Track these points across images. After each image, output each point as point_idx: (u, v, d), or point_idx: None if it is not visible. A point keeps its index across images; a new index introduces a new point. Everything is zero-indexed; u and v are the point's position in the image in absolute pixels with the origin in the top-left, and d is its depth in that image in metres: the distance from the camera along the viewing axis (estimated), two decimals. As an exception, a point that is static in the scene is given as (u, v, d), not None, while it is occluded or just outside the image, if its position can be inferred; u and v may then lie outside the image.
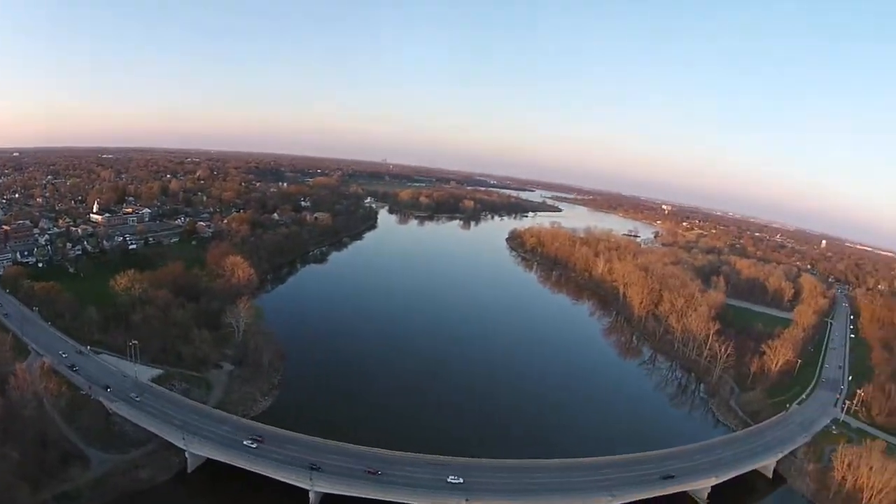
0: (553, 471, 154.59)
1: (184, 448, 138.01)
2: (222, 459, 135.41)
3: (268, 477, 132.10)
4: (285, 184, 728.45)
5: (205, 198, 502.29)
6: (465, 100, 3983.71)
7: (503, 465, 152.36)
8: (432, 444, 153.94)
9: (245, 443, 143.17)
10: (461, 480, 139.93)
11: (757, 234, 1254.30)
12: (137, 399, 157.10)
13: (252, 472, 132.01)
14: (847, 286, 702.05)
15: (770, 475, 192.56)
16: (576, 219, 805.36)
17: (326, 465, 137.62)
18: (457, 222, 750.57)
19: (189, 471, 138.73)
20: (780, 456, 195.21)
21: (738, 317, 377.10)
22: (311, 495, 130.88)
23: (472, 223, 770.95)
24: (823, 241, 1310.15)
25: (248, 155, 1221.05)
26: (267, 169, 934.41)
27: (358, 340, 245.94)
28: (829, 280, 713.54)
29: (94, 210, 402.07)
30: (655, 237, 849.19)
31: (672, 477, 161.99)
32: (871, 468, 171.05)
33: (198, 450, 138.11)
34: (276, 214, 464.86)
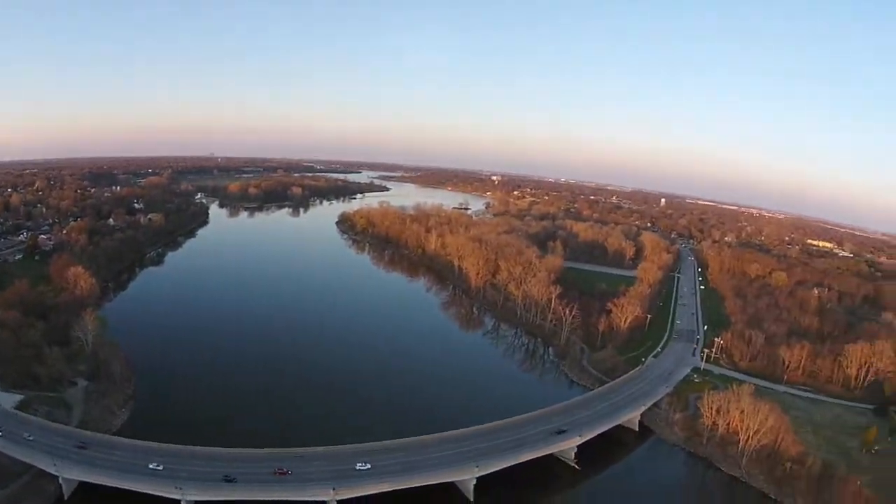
0: (417, 448, 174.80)
1: (56, 474, 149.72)
2: (93, 480, 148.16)
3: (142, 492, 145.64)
4: (118, 187, 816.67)
5: (44, 209, 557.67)
6: (289, 88, 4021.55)
7: (366, 449, 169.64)
8: (270, 437, 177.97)
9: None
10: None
11: (592, 197, 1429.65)
12: (1, 430, 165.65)
13: (127, 490, 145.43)
14: (691, 240, 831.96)
15: (636, 428, 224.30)
16: (405, 196, 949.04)
17: (194, 473, 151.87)
18: (286, 210, 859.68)
19: (66, 497, 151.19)
20: (644, 409, 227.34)
21: (580, 279, 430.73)
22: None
23: (302, 210, 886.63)
24: (663, 200, 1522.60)
25: (84, 161, 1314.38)
26: (100, 173, 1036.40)
27: (206, 338, 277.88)
28: (672, 236, 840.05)
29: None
30: (487, 208, 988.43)
31: (537, 441, 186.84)
32: (742, 411, 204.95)
33: (69, 474, 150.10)
34: (111, 220, 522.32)
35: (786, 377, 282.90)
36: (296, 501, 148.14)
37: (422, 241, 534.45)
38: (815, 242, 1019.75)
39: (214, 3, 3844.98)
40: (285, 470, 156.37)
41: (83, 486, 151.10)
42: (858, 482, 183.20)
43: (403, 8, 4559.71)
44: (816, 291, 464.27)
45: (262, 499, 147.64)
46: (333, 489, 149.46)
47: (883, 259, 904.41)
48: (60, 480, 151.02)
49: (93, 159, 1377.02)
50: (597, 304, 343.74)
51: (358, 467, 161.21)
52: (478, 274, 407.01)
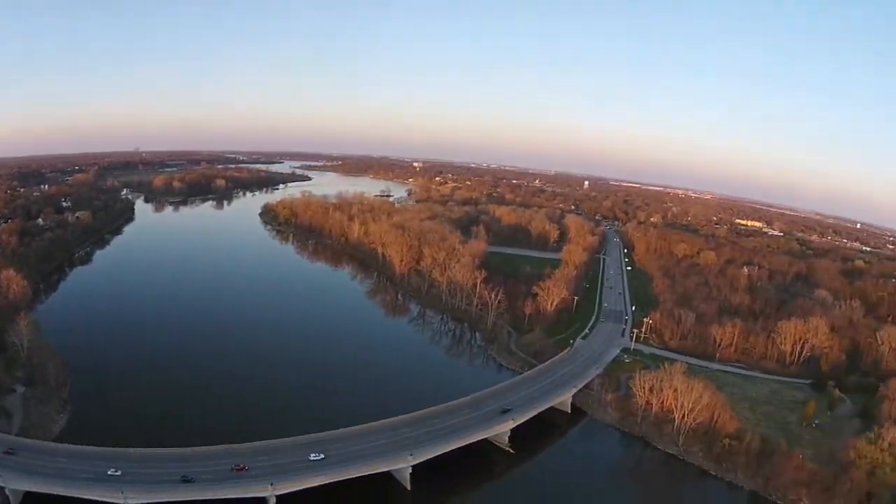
0: (351, 439, 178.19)
1: (3, 485, 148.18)
2: (37, 490, 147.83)
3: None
4: (47, 186, 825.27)
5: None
6: (210, 79, 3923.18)
7: (305, 442, 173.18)
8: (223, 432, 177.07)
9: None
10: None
11: (515, 181, 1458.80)
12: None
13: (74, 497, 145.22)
14: (616, 222, 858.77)
15: (568, 410, 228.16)
16: (327, 185, 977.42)
17: (138, 475, 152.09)
18: (210, 203, 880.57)
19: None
20: (575, 391, 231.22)
21: (505, 263, 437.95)
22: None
23: (226, 202, 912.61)
24: (586, 183, 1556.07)
25: (13, 161, 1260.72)
26: (28, 173, 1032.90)
27: (141, 336, 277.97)
28: (597, 218, 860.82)
29: None
30: (409, 195, 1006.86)
31: (469, 426, 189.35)
32: (675, 390, 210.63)
33: (14, 484, 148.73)
34: (40, 219, 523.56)
35: (718, 355, 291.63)
36: (236, 499, 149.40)
37: (345, 229, 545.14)
38: (743, 222, 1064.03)
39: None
40: (242, 465, 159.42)
41: (30, 496, 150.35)
42: (801, 456, 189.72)
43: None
44: (746, 270, 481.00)
45: (200, 498, 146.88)
46: (271, 484, 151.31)
47: (815, 237, 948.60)
48: (7, 492, 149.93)
49: (22, 159, 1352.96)
50: (522, 287, 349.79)
51: (312, 458, 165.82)
52: (402, 261, 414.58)
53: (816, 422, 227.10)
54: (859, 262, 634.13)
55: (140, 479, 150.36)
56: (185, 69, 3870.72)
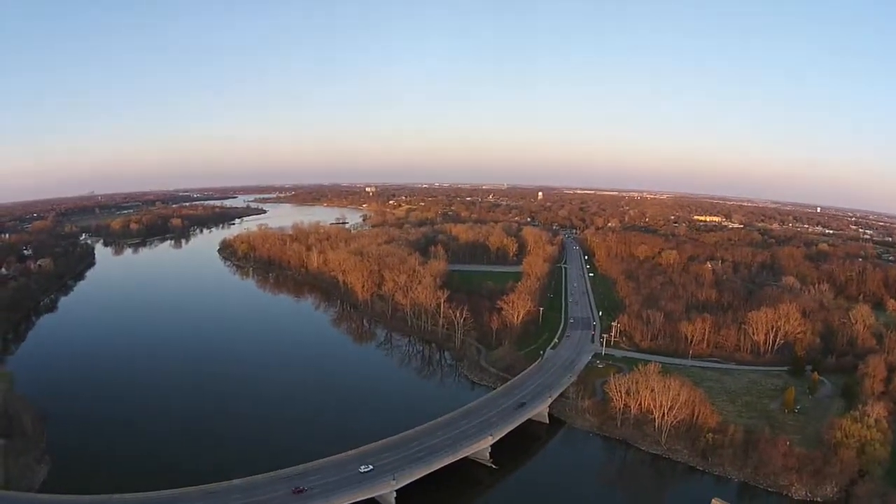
0: (331, 468, 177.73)
1: None
2: None
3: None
4: (7, 234, 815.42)
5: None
6: (159, 119, 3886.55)
7: (284, 476, 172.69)
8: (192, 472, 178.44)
9: None
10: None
11: (468, 198, 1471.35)
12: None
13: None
14: (574, 230, 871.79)
15: (546, 420, 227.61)
16: (282, 217, 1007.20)
17: None
18: (168, 242, 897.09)
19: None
20: (551, 400, 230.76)
21: (467, 280, 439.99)
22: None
23: (184, 241, 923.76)
24: (540, 193, 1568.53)
25: None
26: None
27: (112, 379, 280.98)
28: (554, 228, 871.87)
29: None
30: (364, 220, 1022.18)
31: (449, 446, 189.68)
32: (652, 390, 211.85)
33: None
34: (2, 268, 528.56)
35: (691, 351, 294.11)
36: None
37: (304, 259, 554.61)
38: (702, 217, 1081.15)
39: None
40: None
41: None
42: (788, 442, 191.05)
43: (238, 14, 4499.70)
44: (710, 265, 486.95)
45: None
46: None
47: (776, 226, 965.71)
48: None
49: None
50: (487, 303, 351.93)
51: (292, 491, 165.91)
52: (363, 287, 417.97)
53: (798, 407, 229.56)
54: (823, 246, 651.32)
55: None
56: (135, 110, 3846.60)
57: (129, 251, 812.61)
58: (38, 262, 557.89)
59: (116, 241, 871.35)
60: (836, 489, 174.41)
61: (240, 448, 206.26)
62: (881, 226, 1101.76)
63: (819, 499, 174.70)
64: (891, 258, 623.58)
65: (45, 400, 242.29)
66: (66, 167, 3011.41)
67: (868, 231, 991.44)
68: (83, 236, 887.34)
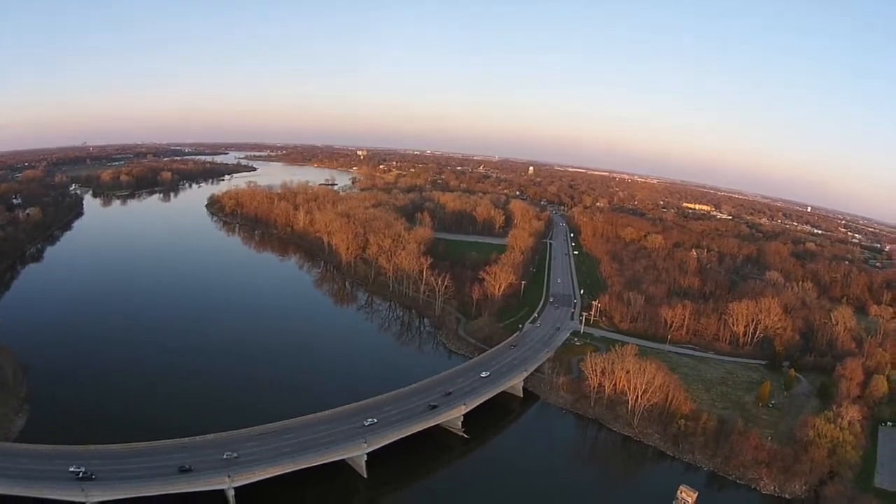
0: (305, 428, 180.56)
1: None
2: (4, 492, 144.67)
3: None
4: None
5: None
6: (156, 73, 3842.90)
7: (259, 433, 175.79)
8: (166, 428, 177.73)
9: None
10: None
11: (459, 168, 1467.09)
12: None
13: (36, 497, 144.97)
14: (562, 207, 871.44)
15: (520, 394, 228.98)
16: (272, 175, 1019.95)
17: (99, 472, 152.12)
18: (157, 196, 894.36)
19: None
20: (526, 374, 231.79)
21: (451, 249, 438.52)
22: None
23: (172, 194, 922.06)
24: (531, 168, 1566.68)
25: None
26: None
27: (96, 331, 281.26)
28: (542, 203, 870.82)
29: None
30: (353, 183, 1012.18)
31: (422, 412, 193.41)
32: (627, 371, 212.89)
33: None
34: None
35: (670, 337, 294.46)
36: (193, 492, 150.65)
37: (290, 219, 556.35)
38: (691, 205, 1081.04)
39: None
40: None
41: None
42: (760, 436, 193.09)
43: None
44: (695, 252, 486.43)
45: (161, 493, 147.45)
46: (229, 476, 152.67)
47: (764, 221, 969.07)
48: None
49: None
50: (469, 273, 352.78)
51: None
52: (348, 249, 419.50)
53: (773, 402, 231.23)
54: (811, 245, 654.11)
55: (102, 476, 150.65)
56: (129, 62, 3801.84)
57: (117, 203, 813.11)
58: (27, 212, 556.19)
59: (106, 192, 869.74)
60: (804, 488, 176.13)
61: (214, 405, 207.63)
62: (870, 231, 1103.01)
63: (787, 496, 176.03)
64: (877, 264, 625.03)
65: (28, 350, 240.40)
66: (59, 119, 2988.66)
67: (857, 235, 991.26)
68: (73, 187, 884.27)
